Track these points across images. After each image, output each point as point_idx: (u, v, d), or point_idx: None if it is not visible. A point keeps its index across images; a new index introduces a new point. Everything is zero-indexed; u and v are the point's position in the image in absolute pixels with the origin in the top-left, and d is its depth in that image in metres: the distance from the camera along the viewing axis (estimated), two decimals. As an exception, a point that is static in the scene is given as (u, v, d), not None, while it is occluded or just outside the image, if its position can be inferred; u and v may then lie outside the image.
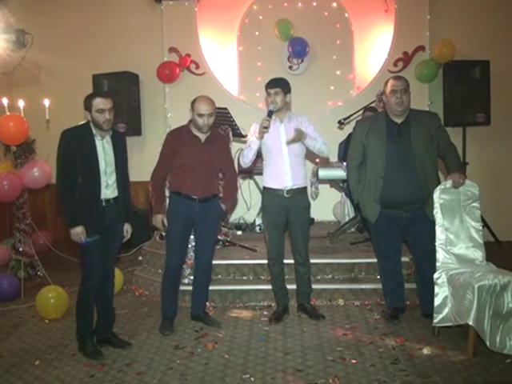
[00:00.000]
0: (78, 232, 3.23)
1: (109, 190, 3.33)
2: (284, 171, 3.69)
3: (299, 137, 3.62)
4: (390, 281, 3.79)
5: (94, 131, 3.31)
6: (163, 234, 3.80)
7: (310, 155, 4.05)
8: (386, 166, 3.51)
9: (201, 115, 3.54)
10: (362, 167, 3.67)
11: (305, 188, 3.81)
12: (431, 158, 3.53)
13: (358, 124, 3.74)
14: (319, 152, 3.74)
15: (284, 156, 3.68)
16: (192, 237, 3.97)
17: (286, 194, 3.70)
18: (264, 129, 3.57)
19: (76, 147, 3.24)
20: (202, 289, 3.87)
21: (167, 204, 3.80)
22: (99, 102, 3.28)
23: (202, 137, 3.65)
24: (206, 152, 3.63)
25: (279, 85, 3.66)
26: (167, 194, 3.93)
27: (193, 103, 3.60)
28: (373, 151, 3.58)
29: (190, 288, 4.01)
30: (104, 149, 3.33)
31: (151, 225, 5.30)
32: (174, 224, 3.65)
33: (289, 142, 3.65)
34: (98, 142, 3.31)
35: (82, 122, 3.36)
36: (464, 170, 3.61)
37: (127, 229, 3.53)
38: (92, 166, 3.27)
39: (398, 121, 3.55)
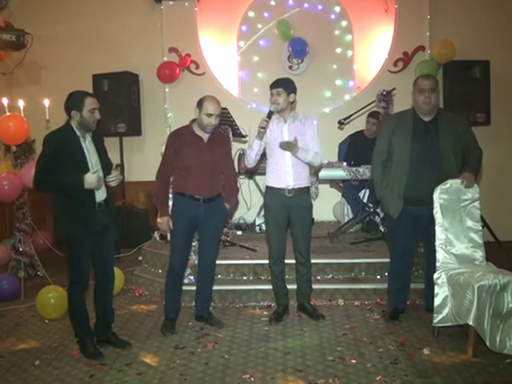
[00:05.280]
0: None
1: (99, 192, 3.26)
2: (286, 171, 3.69)
3: (290, 148, 3.60)
4: (396, 280, 3.78)
5: (78, 132, 3.20)
6: (164, 234, 3.76)
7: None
8: (411, 163, 3.49)
9: (209, 115, 3.51)
10: (387, 163, 3.65)
11: (307, 188, 3.80)
12: (456, 158, 3.51)
13: (384, 120, 3.74)
14: (310, 164, 3.71)
15: (286, 156, 3.67)
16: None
17: (287, 194, 3.69)
18: (262, 129, 3.56)
19: (63, 151, 3.13)
20: (207, 289, 3.86)
21: (171, 205, 3.74)
22: (92, 101, 3.20)
23: (205, 137, 3.62)
24: (210, 152, 3.61)
25: (281, 85, 3.64)
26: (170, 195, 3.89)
27: (201, 102, 3.55)
28: (399, 148, 3.56)
29: (190, 288, 4.02)
30: (88, 150, 3.24)
31: (151, 225, 5.30)
32: (178, 225, 3.61)
33: (280, 145, 3.63)
34: (83, 144, 3.21)
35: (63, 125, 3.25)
36: (476, 175, 3.56)
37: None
38: (83, 170, 3.16)
39: (426, 119, 3.54)
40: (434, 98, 3.48)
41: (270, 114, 3.60)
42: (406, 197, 3.54)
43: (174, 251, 3.69)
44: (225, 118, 4.77)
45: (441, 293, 3.37)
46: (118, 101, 5.89)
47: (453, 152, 3.49)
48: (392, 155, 3.61)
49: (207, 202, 3.63)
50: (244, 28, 6.30)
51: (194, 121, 3.68)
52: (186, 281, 4.21)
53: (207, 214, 3.63)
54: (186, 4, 6.19)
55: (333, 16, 6.21)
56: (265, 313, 4.02)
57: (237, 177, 4.01)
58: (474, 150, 3.56)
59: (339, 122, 5.28)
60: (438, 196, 3.42)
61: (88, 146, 3.25)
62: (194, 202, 3.60)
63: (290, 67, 6.20)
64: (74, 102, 3.20)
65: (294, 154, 3.63)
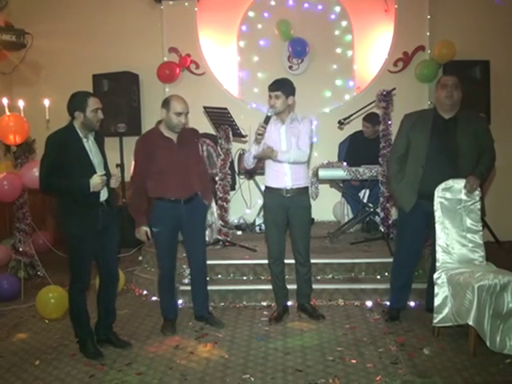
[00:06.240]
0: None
1: (101, 192, 3.25)
2: (283, 172, 3.68)
3: (267, 154, 3.58)
4: (398, 280, 3.78)
5: (80, 133, 3.19)
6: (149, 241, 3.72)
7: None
8: (428, 157, 3.49)
9: (179, 114, 3.46)
10: (404, 160, 3.64)
11: (306, 188, 3.79)
12: (474, 157, 3.51)
13: (405, 117, 3.72)
14: (296, 163, 3.66)
15: None
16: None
17: (285, 194, 3.69)
18: (259, 136, 3.54)
19: (66, 153, 3.12)
20: (202, 289, 3.86)
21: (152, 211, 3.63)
22: (95, 101, 3.19)
23: (174, 137, 3.57)
24: (182, 152, 3.56)
25: (279, 87, 3.61)
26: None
27: (167, 102, 3.51)
28: (416, 143, 3.55)
29: (190, 288, 4.02)
30: (91, 150, 3.23)
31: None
32: (163, 230, 3.57)
33: (256, 156, 3.62)
34: (85, 144, 3.21)
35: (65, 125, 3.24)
36: (483, 181, 3.56)
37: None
38: (87, 170, 3.16)
39: (446, 116, 3.54)
40: (456, 93, 3.50)
41: (267, 119, 3.56)
42: (420, 190, 3.53)
43: (162, 256, 3.66)
44: (225, 117, 4.77)
45: (441, 293, 3.37)
46: (117, 101, 5.90)
47: (470, 151, 3.49)
48: (409, 151, 3.60)
49: (187, 202, 3.59)
50: (244, 28, 6.30)
51: (160, 123, 3.64)
52: (186, 281, 4.22)
53: (189, 215, 3.60)
54: (186, 4, 6.20)
55: (333, 16, 6.22)
56: (265, 313, 4.01)
57: (208, 171, 3.92)
58: (487, 152, 3.56)
59: (339, 122, 5.27)
60: (439, 195, 3.42)
61: (91, 146, 3.25)
62: (175, 204, 3.56)
63: (290, 67, 6.21)
64: (77, 102, 3.18)
65: (274, 160, 3.61)
